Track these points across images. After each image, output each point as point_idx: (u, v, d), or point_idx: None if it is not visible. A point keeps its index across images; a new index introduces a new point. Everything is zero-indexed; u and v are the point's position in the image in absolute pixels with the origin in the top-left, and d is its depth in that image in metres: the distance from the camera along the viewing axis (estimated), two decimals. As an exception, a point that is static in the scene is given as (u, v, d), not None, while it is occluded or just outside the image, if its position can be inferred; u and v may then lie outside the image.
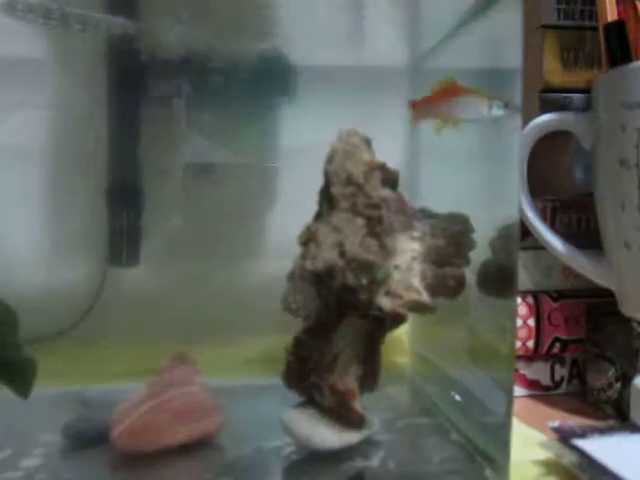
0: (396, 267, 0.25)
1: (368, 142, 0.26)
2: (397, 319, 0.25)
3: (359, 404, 0.26)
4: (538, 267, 0.39)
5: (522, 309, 0.38)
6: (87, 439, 0.27)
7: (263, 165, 0.35)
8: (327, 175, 0.23)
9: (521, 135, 0.35)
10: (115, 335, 0.34)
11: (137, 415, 0.26)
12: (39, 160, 0.34)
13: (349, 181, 0.23)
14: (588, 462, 0.25)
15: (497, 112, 0.27)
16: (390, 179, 0.25)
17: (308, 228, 0.23)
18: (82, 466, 0.26)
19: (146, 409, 0.26)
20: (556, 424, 0.28)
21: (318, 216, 0.24)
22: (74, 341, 0.33)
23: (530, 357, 0.38)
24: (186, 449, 0.26)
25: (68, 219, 0.34)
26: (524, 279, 0.39)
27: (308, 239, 0.23)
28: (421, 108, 0.29)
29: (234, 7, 0.33)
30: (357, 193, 0.23)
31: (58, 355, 0.32)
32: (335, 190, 0.23)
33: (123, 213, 0.34)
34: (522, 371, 0.39)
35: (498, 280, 0.28)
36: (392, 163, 0.26)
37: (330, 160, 0.23)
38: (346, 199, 0.23)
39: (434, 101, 0.29)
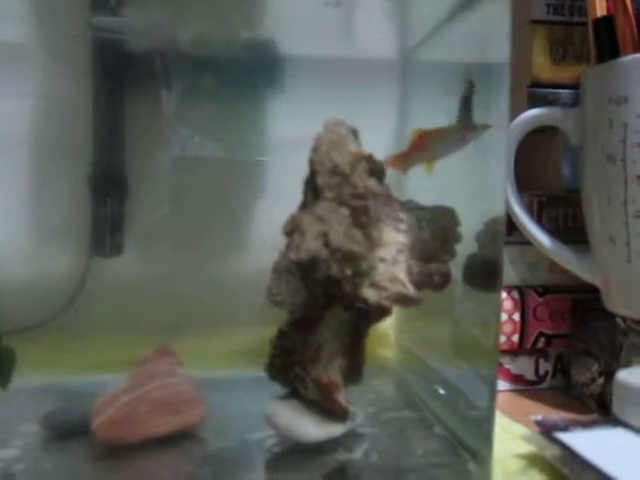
0: (381, 259, 0.25)
1: (355, 133, 0.26)
2: (382, 311, 0.25)
3: (343, 397, 0.26)
4: (524, 262, 0.39)
5: (507, 304, 0.38)
6: (67, 430, 0.27)
7: (251, 157, 0.35)
8: (312, 164, 0.23)
9: (508, 130, 0.35)
10: (98, 326, 0.33)
11: (117, 406, 0.26)
12: (22, 149, 0.33)
13: (334, 171, 0.23)
14: (570, 455, 0.25)
15: (471, 137, 0.28)
16: (376, 170, 0.25)
17: (292, 217, 0.23)
18: (61, 457, 0.26)
19: (127, 400, 0.26)
20: (539, 418, 0.28)
21: (303, 206, 0.24)
22: (56, 332, 0.33)
23: (515, 352, 0.39)
24: (167, 441, 0.26)
25: (51, 208, 0.34)
26: (510, 274, 0.39)
27: (292, 229, 0.23)
28: (400, 162, 0.30)
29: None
30: (342, 183, 0.23)
31: (40, 346, 0.31)
32: (320, 180, 0.22)
33: (107, 202, 0.33)
34: (507, 365, 0.39)
35: (483, 274, 0.28)
36: (379, 155, 0.26)
37: (316, 150, 0.23)
38: (331, 189, 0.22)
39: (411, 154, 0.30)
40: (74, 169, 0.34)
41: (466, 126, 0.28)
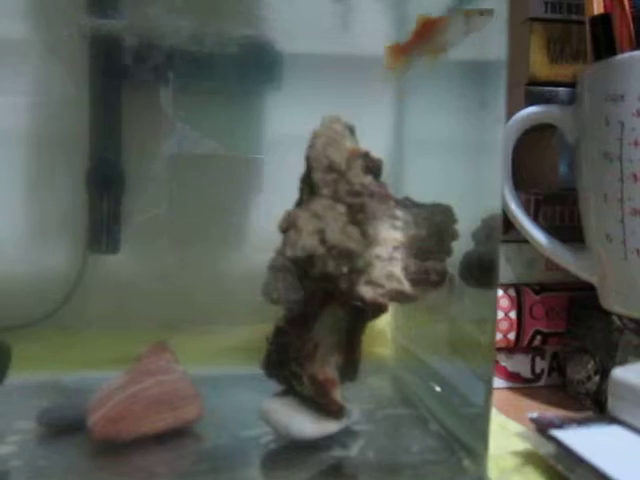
0: (378, 256, 0.25)
1: (352, 129, 0.26)
2: (378, 308, 0.25)
3: (339, 394, 0.26)
4: (521, 260, 0.39)
5: (504, 301, 0.38)
6: (63, 427, 0.27)
7: (248, 154, 0.35)
8: (308, 161, 0.23)
9: (505, 127, 0.35)
10: (94, 322, 0.33)
11: (114, 403, 0.26)
12: (18, 146, 0.33)
13: (331, 168, 0.23)
14: (565, 452, 0.25)
15: (475, 24, 0.27)
16: (373, 167, 0.25)
17: (288, 214, 0.23)
18: (57, 454, 0.26)
19: (123, 397, 0.26)
20: (535, 415, 0.28)
21: (299, 202, 0.24)
22: (52, 328, 0.33)
23: (511, 349, 0.39)
24: (164, 437, 0.26)
25: (48, 205, 0.34)
26: (507, 272, 0.39)
27: (288, 226, 0.23)
28: (401, 53, 0.29)
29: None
30: (339, 180, 0.23)
31: (36, 342, 0.31)
32: (316, 176, 0.22)
33: (104, 199, 0.33)
34: (503, 363, 0.39)
35: (480, 271, 0.28)
36: (376, 152, 0.26)
37: (312, 146, 0.23)
38: (327, 186, 0.22)
39: (415, 42, 0.28)
40: (71, 166, 0.34)
41: (471, 12, 0.27)
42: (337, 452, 0.26)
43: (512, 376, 0.39)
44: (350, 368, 0.27)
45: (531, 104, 0.37)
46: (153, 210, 0.33)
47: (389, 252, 0.25)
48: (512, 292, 0.38)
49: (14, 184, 0.33)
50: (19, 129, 0.33)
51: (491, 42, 0.27)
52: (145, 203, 0.33)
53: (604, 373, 0.33)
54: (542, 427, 0.27)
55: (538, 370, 0.39)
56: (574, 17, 0.39)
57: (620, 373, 0.28)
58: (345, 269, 0.23)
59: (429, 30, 0.28)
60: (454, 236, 0.27)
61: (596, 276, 0.35)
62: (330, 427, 0.26)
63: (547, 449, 0.26)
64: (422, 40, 0.28)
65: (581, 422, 0.27)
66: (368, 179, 0.23)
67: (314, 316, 0.26)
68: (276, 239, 0.25)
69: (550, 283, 0.39)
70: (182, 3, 0.31)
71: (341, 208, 0.22)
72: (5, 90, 0.31)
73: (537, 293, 0.39)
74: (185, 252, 0.34)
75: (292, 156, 0.26)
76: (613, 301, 0.34)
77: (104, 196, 0.33)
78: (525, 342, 0.38)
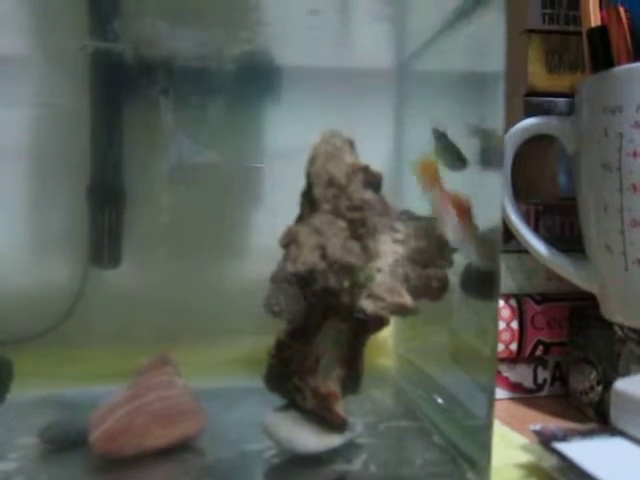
0: (379, 270, 0.25)
1: (351, 144, 0.26)
2: (380, 322, 0.25)
3: (341, 407, 0.26)
4: (521, 270, 0.39)
5: (505, 312, 0.38)
6: (65, 442, 0.27)
7: (248, 166, 0.35)
8: (309, 176, 0.23)
9: (505, 139, 0.35)
10: (96, 337, 0.33)
11: (116, 418, 0.26)
12: (20, 160, 0.33)
13: (331, 183, 0.23)
14: (568, 465, 0.25)
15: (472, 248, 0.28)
16: (373, 181, 0.25)
17: (289, 230, 0.23)
18: (59, 470, 0.26)
19: (125, 412, 0.26)
20: (537, 427, 0.28)
21: (300, 218, 0.24)
22: (54, 343, 0.33)
23: (513, 360, 0.39)
24: (166, 452, 0.26)
25: (49, 219, 0.34)
26: (508, 282, 0.39)
27: (289, 241, 0.23)
28: (429, 179, 0.29)
29: (220, 7, 0.33)
30: (339, 195, 0.23)
31: (38, 357, 0.31)
32: (317, 192, 0.23)
33: (105, 213, 0.33)
34: (505, 374, 0.39)
35: (481, 282, 0.28)
36: (375, 165, 0.26)
37: (312, 161, 0.23)
38: (328, 201, 0.23)
39: (442, 196, 0.29)
40: (72, 180, 0.34)
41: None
42: (340, 466, 0.26)
43: (514, 386, 0.39)
44: (352, 381, 0.27)
45: (530, 115, 0.37)
46: (156, 222, 0.33)
47: (390, 265, 0.25)
48: (513, 302, 0.38)
49: (15, 198, 0.33)
50: (21, 143, 0.33)
51: (489, 54, 0.28)
52: (146, 217, 0.33)
53: (607, 383, 0.33)
54: (545, 439, 0.27)
55: (540, 380, 0.39)
56: (571, 28, 0.39)
57: (622, 385, 0.28)
58: (346, 284, 0.23)
59: (463, 211, 0.28)
60: (454, 248, 0.27)
61: (597, 286, 0.35)
62: (333, 441, 0.26)
63: (550, 462, 0.26)
64: (447, 205, 0.28)
65: (584, 434, 0.27)
66: (368, 193, 0.24)
67: (316, 329, 0.26)
68: (277, 251, 0.25)
69: (551, 293, 0.39)
70: (182, 18, 0.32)
71: (342, 223, 0.23)
72: (7, 104, 0.32)
73: (538, 303, 0.39)
74: (186, 265, 0.34)
75: (292, 168, 0.26)
76: (614, 311, 0.34)
77: (105, 210, 0.33)
78: (527, 352, 0.38)
